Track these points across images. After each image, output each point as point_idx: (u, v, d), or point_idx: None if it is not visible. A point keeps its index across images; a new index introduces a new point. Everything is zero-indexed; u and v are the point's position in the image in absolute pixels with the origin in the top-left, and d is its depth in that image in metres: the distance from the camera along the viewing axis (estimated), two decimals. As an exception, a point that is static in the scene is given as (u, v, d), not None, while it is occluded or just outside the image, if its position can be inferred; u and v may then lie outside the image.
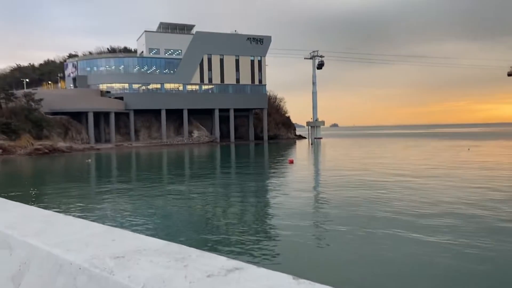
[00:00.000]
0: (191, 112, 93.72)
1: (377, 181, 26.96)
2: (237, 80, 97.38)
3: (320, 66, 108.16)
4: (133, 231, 2.31)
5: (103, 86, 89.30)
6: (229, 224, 16.40)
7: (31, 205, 3.25)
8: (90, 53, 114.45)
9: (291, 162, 42.45)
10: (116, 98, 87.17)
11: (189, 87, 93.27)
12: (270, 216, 17.87)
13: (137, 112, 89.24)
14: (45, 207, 18.58)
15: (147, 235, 2.17)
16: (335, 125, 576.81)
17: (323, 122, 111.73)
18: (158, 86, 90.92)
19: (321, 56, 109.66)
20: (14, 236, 2.25)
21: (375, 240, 13.35)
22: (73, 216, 2.71)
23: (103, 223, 2.45)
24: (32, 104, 70.64)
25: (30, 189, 27.46)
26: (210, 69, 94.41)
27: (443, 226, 14.76)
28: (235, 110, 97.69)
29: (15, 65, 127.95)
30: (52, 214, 2.66)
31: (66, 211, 18.90)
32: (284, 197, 22.03)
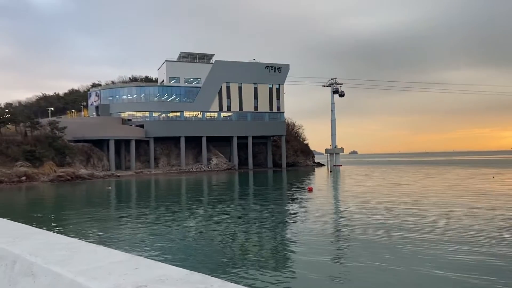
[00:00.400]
0: (210, 139, 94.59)
1: (400, 210, 26.37)
2: (256, 108, 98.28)
3: (340, 94, 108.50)
4: (153, 258, 2.29)
5: (125, 114, 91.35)
6: (249, 254, 16.17)
7: (54, 231, 3.28)
8: (113, 82, 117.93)
9: (310, 190, 41.98)
10: (137, 126, 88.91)
11: (208, 115, 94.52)
12: (289, 248, 17.56)
13: (157, 139, 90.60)
14: (66, 234, 18.74)
15: (167, 263, 2.14)
16: (354, 152, 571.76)
17: (342, 150, 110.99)
18: (178, 114, 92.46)
19: (340, 84, 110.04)
20: (38, 263, 2.25)
21: (396, 275, 12.93)
22: (96, 243, 2.71)
23: (123, 250, 2.44)
24: (56, 132, 72.52)
25: (52, 216, 27.82)
26: (228, 97, 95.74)
27: (469, 258, 14.22)
28: (254, 137, 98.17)
29: (41, 94, 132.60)
30: (75, 241, 2.67)
31: (87, 238, 19.01)
32: (304, 228, 21.70)
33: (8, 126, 73.29)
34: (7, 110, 78.30)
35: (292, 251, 16.28)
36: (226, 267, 13.97)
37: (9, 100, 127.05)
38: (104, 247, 2.47)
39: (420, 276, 12.35)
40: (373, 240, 17.47)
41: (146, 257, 2.54)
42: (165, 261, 14.43)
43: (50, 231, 3.16)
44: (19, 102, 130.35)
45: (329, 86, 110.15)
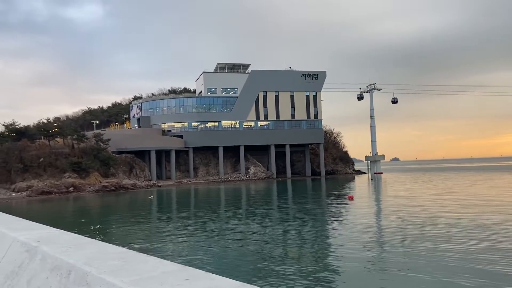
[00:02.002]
0: (248, 148, 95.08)
1: (444, 220, 25.32)
2: (293, 116, 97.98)
3: (393, 101, 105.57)
4: (200, 268, 2.28)
5: (165, 126, 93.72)
6: (292, 265, 15.99)
7: (104, 241, 3.35)
8: (153, 94, 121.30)
9: (351, 198, 41.07)
10: (176, 136, 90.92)
11: (245, 124, 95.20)
12: (332, 262, 17.21)
13: (196, 149, 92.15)
14: (115, 243, 19.31)
15: (214, 273, 2.12)
16: (396, 159, 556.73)
17: (383, 157, 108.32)
18: (216, 124, 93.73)
19: (379, 89, 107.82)
20: (92, 273, 2.30)
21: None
22: (147, 253, 2.74)
23: (171, 259, 2.44)
24: (101, 144, 75.41)
25: (100, 226, 28.79)
26: (265, 105, 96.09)
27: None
28: (291, 145, 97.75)
29: (86, 108, 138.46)
30: (126, 251, 2.71)
31: (133, 246, 19.48)
32: (346, 240, 21.23)
33: (56, 139, 77.07)
34: (55, 124, 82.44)
35: (336, 265, 15.95)
36: (269, 277, 13.87)
37: (56, 115, 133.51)
38: (154, 257, 2.49)
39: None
40: (416, 253, 16.82)
41: (194, 267, 2.53)
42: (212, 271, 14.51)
43: (100, 240, 3.23)
44: (66, 116, 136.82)
45: (368, 92, 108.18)
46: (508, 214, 25.78)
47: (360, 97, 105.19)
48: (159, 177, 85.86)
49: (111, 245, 2.95)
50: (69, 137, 76.82)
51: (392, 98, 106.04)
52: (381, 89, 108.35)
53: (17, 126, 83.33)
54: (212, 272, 2.24)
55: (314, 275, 13.96)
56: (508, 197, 36.64)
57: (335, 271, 14.62)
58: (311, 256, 17.19)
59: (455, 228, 21.51)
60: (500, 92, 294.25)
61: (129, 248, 3.33)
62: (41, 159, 67.84)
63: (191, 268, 2.20)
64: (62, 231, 3.74)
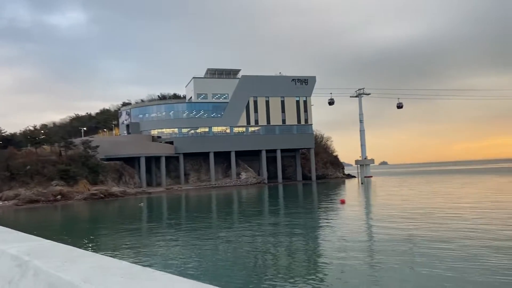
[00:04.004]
0: (239, 154, 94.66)
1: (435, 222, 25.28)
2: (283, 121, 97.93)
3: (330, 103, 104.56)
4: (198, 279, 2.02)
5: (154, 132, 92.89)
6: (287, 271, 15.71)
7: (97, 250, 3.07)
8: (142, 100, 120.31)
9: (343, 202, 41.08)
10: (166, 142, 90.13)
11: (236, 130, 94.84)
12: (325, 265, 16.98)
13: (187, 155, 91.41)
14: (109, 253, 18.78)
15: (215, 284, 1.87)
16: (384, 163, 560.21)
17: (372, 160, 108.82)
18: (206, 129, 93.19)
19: (368, 94, 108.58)
20: (93, 292, 2.01)
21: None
22: (139, 264, 2.44)
23: (163, 270, 2.18)
24: (89, 151, 74.33)
25: (93, 235, 28.19)
26: (256, 111, 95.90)
27: None
28: (282, 150, 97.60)
29: (74, 115, 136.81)
30: (129, 266, 2.42)
31: (128, 257, 19.02)
32: (341, 245, 21.03)
33: (43, 146, 75.78)
34: (42, 131, 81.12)
35: (328, 268, 15.71)
36: (264, 283, 13.58)
37: (43, 122, 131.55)
38: (162, 272, 2.21)
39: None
40: (409, 254, 16.68)
41: (189, 277, 2.26)
42: (208, 281, 14.20)
43: (93, 251, 2.94)
44: (53, 123, 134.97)
45: (356, 96, 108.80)
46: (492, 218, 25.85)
47: (331, 102, 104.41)
48: (149, 184, 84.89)
49: (111, 258, 2.66)
50: (56, 144, 75.55)
51: (398, 103, 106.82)
52: (369, 94, 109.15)
53: (3, 134, 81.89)
54: (210, 283, 1.98)
55: (307, 278, 13.70)
56: (492, 201, 36.88)
57: (329, 274, 14.37)
58: (305, 259, 16.92)
59: (445, 229, 21.44)
60: (483, 96, 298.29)
61: (129, 261, 3.05)
62: (28, 167, 66.60)
63: (206, 285, 1.93)
64: (55, 243, 3.43)
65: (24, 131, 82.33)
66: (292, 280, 13.97)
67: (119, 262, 2.55)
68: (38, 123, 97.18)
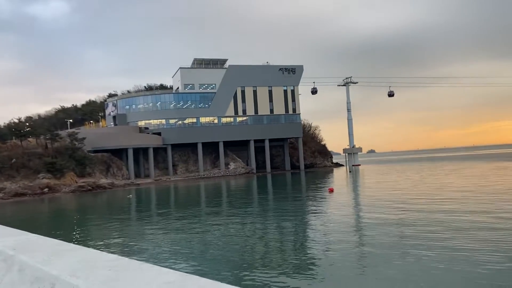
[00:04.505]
0: (227, 144, 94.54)
1: (421, 208, 25.67)
2: (271, 111, 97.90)
3: (312, 92, 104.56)
4: (188, 271, 2.02)
5: (142, 123, 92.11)
6: (273, 260, 15.83)
7: (86, 244, 3.04)
8: (129, 91, 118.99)
9: (331, 191, 41.40)
10: (154, 134, 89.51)
11: (224, 120, 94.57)
12: (314, 252, 17.14)
13: (175, 146, 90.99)
14: (99, 246, 18.68)
15: (207, 277, 1.87)
16: (372, 151, 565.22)
17: (360, 149, 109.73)
18: (194, 120, 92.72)
19: (355, 82, 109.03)
20: (80, 286, 2.00)
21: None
22: (130, 257, 2.43)
23: (151, 262, 2.17)
24: (76, 143, 73.47)
25: (81, 228, 27.99)
26: (243, 101, 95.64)
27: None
28: (270, 140, 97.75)
29: (59, 107, 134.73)
30: (116, 258, 2.41)
31: (114, 249, 18.95)
32: (327, 231, 21.24)
33: (29, 139, 74.62)
34: (27, 124, 79.75)
35: (318, 257, 15.89)
36: (254, 272, 13.68)
37: (27, 114, 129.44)
38: (150, 265, 2.21)
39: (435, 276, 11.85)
40: (398, 241, 16.94)
41: (188, 271, 2.26)
42: (200, 272, 14.23)
43: (83, 245, 2.92)
44: (39, 115, 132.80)
45: (344, 85, 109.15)
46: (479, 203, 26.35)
47: (313, 91, 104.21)
48: (137, 176, 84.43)
49: (98, 251, 2.64)
50: (42, 136, 74.46)
51: (389, 92, 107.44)
52: (357, 83, 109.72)
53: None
54: (203, 275, 1.98)
55: (298, 267, 13.85)
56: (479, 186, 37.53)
57: (319, 262, 14.54)
58: (294, 249, 17.08)
59: (431, 214, 21.80)
60: (468, 84, 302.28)
61: (118, 253, 3.03)
62: (13, 160, 65.61)
63: (195, 276, 1.93)
64: (41, 236, 3.39)
65: (8, 124, 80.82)
66: (280, 269, 14.10)
67: (106, 255, 2.54)
68: (22, 115, 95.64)
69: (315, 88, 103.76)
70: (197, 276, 1.92)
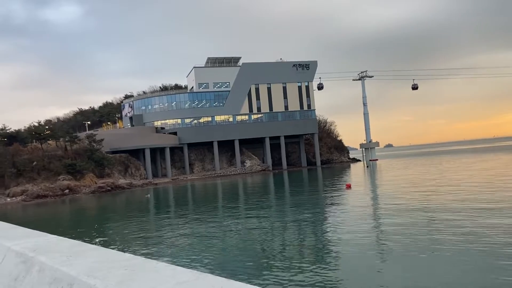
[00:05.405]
0: (242, 142, 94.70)
1: (443, 206, 25.27)
2: (286, 107, 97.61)
3: (319, 87, 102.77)
4: (207, 270, 2.02)
5: (158, 123, 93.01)
6: (293, 260, 15.81)
7: (105, 245, 3.08)
8: (144, 92, 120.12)
9: (349, 187, 41.07)
10: (170, 133, 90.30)
11: (238, 118, 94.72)
12: (334, 249, 17.06)
13: (191, 145, 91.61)
14: (117, 246, 18.96)
15: (225, 276, 1.87)
16: (389, 145, 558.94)
17: (377, 143, 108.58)
18: (209, 119, 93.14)
19: (370, 76, 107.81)
20: (97, 286, 2.03)
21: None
22: (149, 257, 2.44)
23: (169, 262, 2.18)
24: (94, 144, 74.66)
25: (101, 228, 28.43)
26: (258, 98, 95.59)
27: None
28: (286, 137, 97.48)
29: (77, 110, 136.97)
30: (132, 258, 2.43)
31: (135, 250, 19.19)
32: (347, 227, 21.10)
33: (49, 142, 76.17)
34: (47, 127, 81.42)
35: (339, 255, 15.79)
36: (271, 273, 13.69)
37: (46, 117, 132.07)
38: (166, 264, 2.22)
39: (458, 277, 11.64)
40: (417, 240, 16.72)
41: (207, 271, 2.27)
42: (216, 271, 14.31)
43: (101, 245, 2.95)
44: (57, 118, 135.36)
45: (359, 79, 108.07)
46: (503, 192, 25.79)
47: (320, 87, 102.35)
48: (154, 175, 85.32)
49: (115, 251, 2.67)
50: (61, 139, 75.90)
51: (412, 85, 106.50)
52: (372, 76, 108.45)
53: (8, 131, 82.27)
54: (223, 271, 1.98)
55: (317, 264, 13.80)
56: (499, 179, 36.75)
57: (338, 259, 14.47)
58: (314, 245, 17.03)
59: (451, 212, 21.45)
60: (489, 74, 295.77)
61: (134, 253, 3.06)
62: (34, 163, 67.03)
63: (210, 275, 1.93)
64: (61, 237, 3.45)
65: (28, 127, 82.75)
66: (299, 268, 14.06)
67: (123, 254, 2.57)
68: (40, 118, 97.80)
69: (321, 83, 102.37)
70: (212, 275, 1.92)
